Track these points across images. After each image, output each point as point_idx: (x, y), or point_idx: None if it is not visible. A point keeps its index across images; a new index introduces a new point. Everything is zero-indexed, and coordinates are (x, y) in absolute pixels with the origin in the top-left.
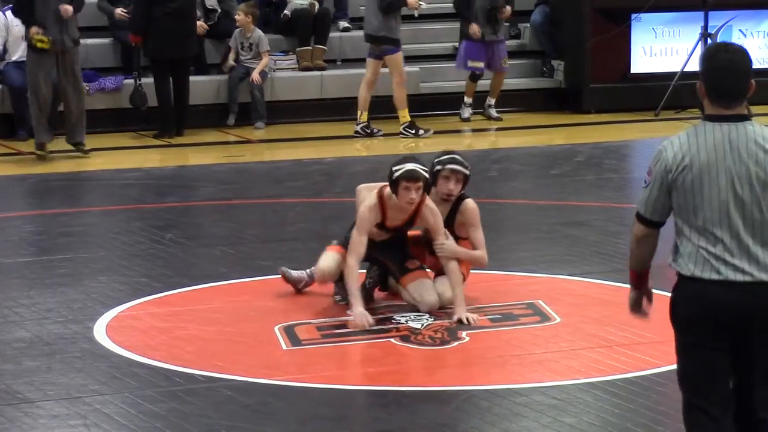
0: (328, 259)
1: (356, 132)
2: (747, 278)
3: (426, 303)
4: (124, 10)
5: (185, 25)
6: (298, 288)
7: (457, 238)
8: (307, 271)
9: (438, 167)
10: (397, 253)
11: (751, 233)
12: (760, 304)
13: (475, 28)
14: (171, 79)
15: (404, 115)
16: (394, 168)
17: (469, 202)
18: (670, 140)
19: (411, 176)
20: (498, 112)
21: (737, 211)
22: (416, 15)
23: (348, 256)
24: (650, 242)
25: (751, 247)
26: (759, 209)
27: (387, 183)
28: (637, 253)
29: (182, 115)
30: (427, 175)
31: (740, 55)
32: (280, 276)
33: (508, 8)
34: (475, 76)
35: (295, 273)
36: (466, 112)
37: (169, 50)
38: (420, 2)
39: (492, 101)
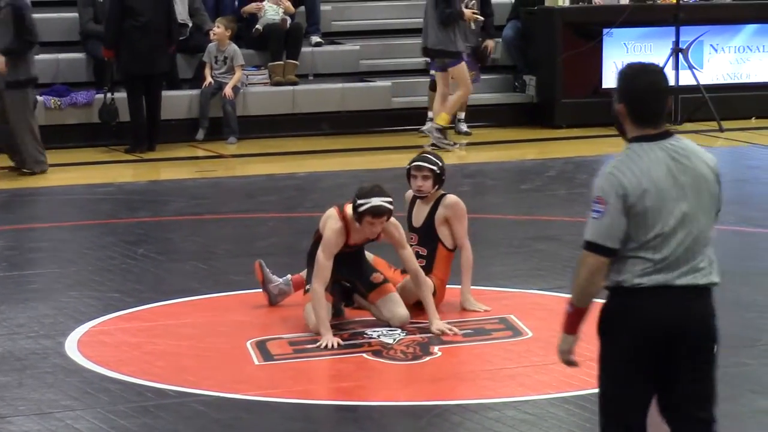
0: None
1: (431, 145)
2: (680, 284)
3: (397, 318)
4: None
5: (155, 40)
6: (271, 293)
7: (437, 240)
8: (282, 279)
9: (407, 167)
10: (359, 268)
11: (696, 244)
12: (684, 313)
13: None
14: (144, 94)
15: (442, 119)
16: (360, 201)
17: (452, 196)
18: (616, 167)
19: (376, 212)
20: (469, 126)
21: (687, 223)
22: (473, 27)
23: (314, 281)
24: (604, 273)
25: (696, 257)
26: (698, 221)
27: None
28: (590, 290)
29: (154, 130)
30: (391, 207)
31: (660, 76)
32: (256, 269)
33: (490, 42)
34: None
35: (272, 276)
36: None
37: (139, 65)
38: (475, 14)
39: (461, 115)
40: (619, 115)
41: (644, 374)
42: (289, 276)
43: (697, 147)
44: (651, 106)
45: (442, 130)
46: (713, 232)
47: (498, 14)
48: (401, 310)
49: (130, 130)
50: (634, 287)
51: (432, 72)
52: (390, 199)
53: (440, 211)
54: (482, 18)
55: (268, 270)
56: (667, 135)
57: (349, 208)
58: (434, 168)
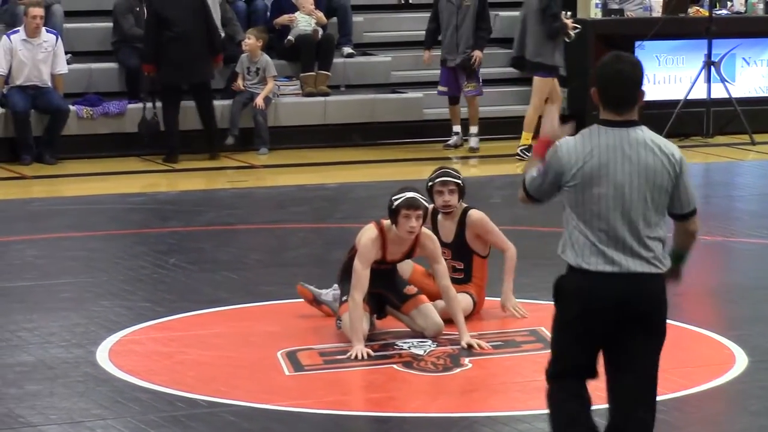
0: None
1: (518, 154)
2: (619, 271)
3: (432, 328)
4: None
5: (193, 50)
6: (329, 303)
7: (472, 252)
8: (330, 289)
9: (430, 184)
10: (392, 281)
11: (634, 230)
12: (628, 296)
13: (426, 55)
14: (196, 105)
15: (526, 138)
16: (394, 198)
17: (474, 213)
18: (566, 140)
19: (410, 204)
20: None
21: (624, 209)
22: (567, 40)
23: (353, 291)
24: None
25: (635, 243)
26: (645, 208)
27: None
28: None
29: (212, 138)
30: (426, 204)
31: (630, 66)
32: (300, 292)
33: (478, 53)
34: (450, 100)
35: (319, 290)
36: (452, 139)
37: (177, 75)
38: (575, 26)
39: (472, 129)
40: (593, 98)
41: (588, 343)
42: (335, 285)
43: (655, 139)
44: (615, 91)
45: (529, 148)
46: (660, 224)
47: None
48: (436, 320)
49: (165, 140)
50: (579, 268)
51: (440, 88)
52: (425, 197)
53: (469, 231)
54: (579, 27)
55: (310, 286)
56: (630, 124)
57: (386, 222)
58: (459, 181)
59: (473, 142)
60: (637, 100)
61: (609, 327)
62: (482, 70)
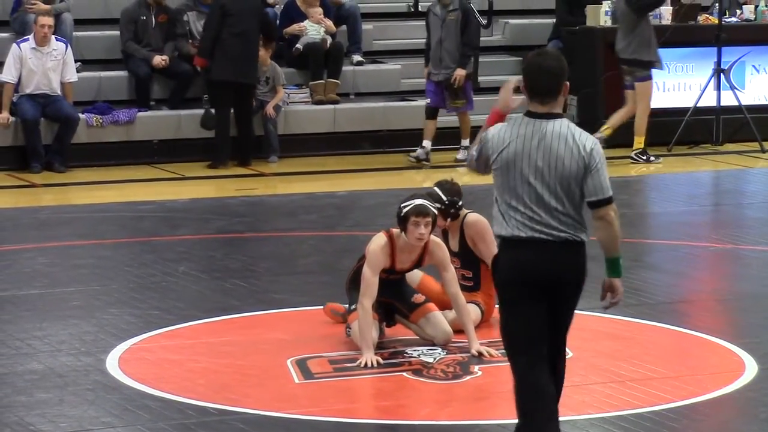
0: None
1: (632, 158)
2: (548, 238)
3: (441, 336)
4: (165, 58)
5: (250, 49)
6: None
7: (479, 261)
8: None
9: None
10: (400, 290)
11: (549, 212)
12: (551, 262)
13: (425, 71)
14: (232, 108)
15: (639, 142)
16: (402, 205)
17: (472, 216)
18: (495, 127)
19: (419, 211)
20: None
21: (538, 193)
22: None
23: (362, 298)
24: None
25: (551, 221)
26: (558, 193)
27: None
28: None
29: (248, 145)
30: (435, 211)
31: (551, 59)
32: (327, 313)
33: (459, 72)
34: (428, 113)
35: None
36: (417, 151)
37: (231, 72)
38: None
39: (463, 142)
40: (523, 90)
41: (531, 311)
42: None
43: (573, 132)
44: (537, 83)
45: (643, 152)
46: (575, 208)
47: (540, 34)
48: (445, 328)
49: (215, 144)
50: (510, 238)
51: (428, 101)
52: (434, 204)
53: (468, 237)
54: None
55: (335, 307)
56: (551, 116)
57: (395, 230)
58: (434, 211)
59: (461, 154)
60: (560, 91)
61: (541, 291)
62: (490, 78)
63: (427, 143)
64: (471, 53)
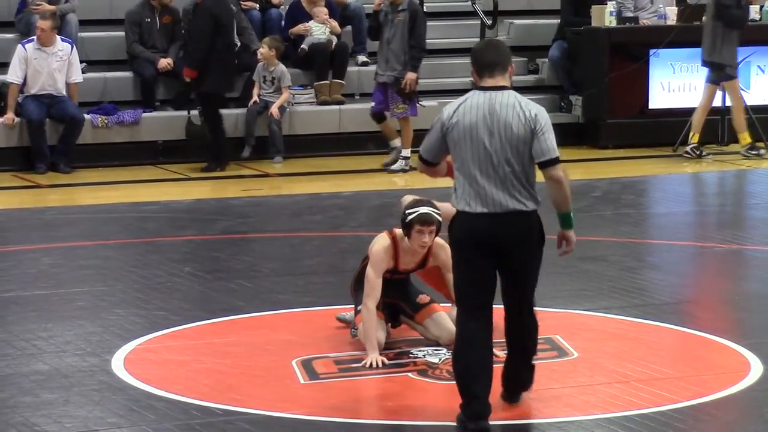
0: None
1: (686, 152)
2: (494, 211)
3: (446, 336)
4: (170, 62)
5: (235, 59)
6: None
7: None
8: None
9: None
10: (405, 291)
11: (497, 178)
12: (503, 231)
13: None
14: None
15: (744, 138)
16: (408, 211)
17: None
18: (450, 104)
19: (424, 221)
20: None
21: (489, 160)
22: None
23: (366, 299)
24: (432, 171)
25: (505, 186)
26: (509, 157)
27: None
28: (428, 174)
29: (226, 150)
30: (440, 218)
31: (497, 42)
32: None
33: (410, 76)
34: (374, 117)
35: (350, 314)
36: (390, 157)
37: (226, 85)
38: None
39: (404, 152)
40: (474, 79)
41: (478, 267)
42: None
43: (519, 101)
44: (483, 57)
45: (752, 147)
46: (525, 171)
47: (544, 34)
48: (450, 328)
49: (211, 149)
50: (463, 211)
51: (373, 106)
52: (439, 211)
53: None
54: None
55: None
56: (498, 89)
57: (398, 231)
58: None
59: (398, 164)
60: (505, 67)
61: (492, 255)
62: (454, 80)
63: (396, 142)
64: (420, 55)
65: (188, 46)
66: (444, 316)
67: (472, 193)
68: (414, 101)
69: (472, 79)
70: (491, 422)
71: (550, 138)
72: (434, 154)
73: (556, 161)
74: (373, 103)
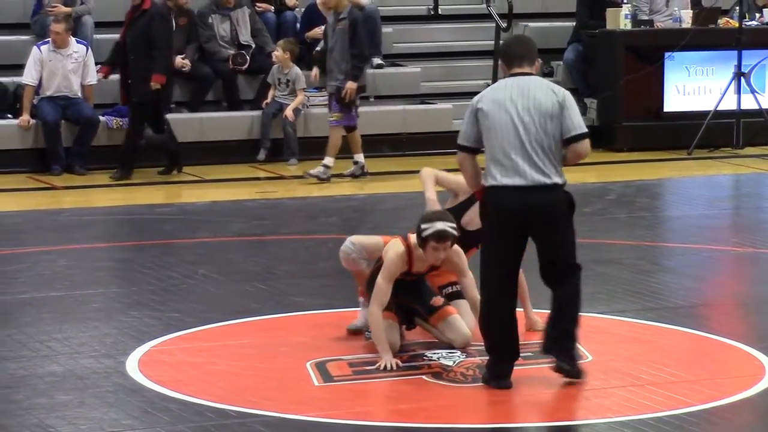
0: (391, 332)
1: None
2: (523, 184)
3: (460, 340)
4: (186, 61)
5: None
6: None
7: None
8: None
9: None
10: (419, 292)
11: (524, 153)
12: (532, 202)
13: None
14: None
15: None
16: (423, 226)
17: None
18: (480, 92)
19: (440, 237)
20: None
21: (518, 135)
22: None
23: (372, 304)
24: (469, 164)
25: (523, 162)
26: (536, 135)
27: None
28: (469, 176)
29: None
30: (455, 233)
31: (526, 36)
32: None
33: (350, 85)
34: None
35: (359, 321)
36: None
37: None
38: None
39: (326, 159)
40: (503, 71)
41: (506, 238)
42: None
43: (547, 83)
44: (513, 49)
45: None
46: (553, 146)
47: (559, 37)
48: (464, 331)
49: (174, 153)
50: (490, 185)
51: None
52: (454, 225)
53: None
54: None
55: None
56: (525, 74)
57: (412, 237)
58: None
59: (315, 170)
60: (533, 59)
61: (521, 226)
62: (470, 83)
63: (357, 157)
64: (361, 64)
65: (153, 52)
66: (458, 319)
67: (501, 168)
68: (352, 111)
69: (486, 81)
70: (504, 425)
71: (578, 115)
72: (468, 136)
73: (586, 135)
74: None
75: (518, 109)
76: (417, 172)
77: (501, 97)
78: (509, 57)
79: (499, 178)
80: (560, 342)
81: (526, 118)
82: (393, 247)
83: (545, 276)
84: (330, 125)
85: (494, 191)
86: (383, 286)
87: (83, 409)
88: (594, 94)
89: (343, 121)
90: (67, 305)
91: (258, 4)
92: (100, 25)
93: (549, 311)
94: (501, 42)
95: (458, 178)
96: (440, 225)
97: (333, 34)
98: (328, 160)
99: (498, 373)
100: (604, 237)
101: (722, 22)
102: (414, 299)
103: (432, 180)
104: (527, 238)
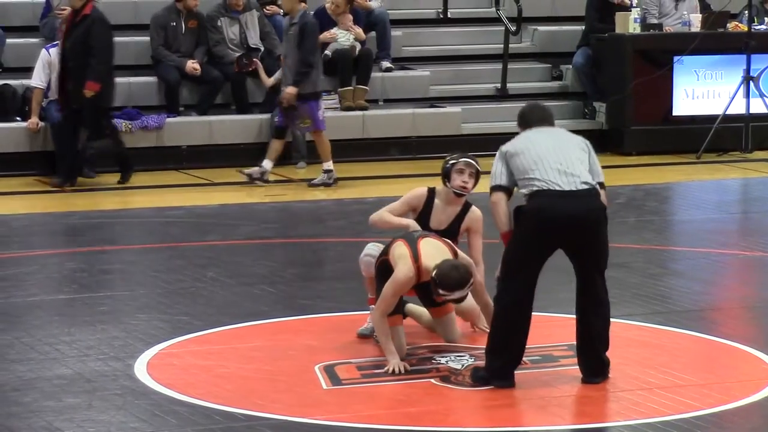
0: (397, 336)
1: None
2: (565, 189)
3: (450, 338)
4: (197, 65)
5: None
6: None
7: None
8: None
9: (452, 161)
10: (424, 288)
11: (560, 166)
12: (573, 207)
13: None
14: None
15: None
16: (450, 158)
17: (476, 210)
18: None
19: (467, 161)
20: None
21: (551, 155)
22: None
23: (375, 310)
24: (504, 203)
25: (560, 174)
26: (568, 154)
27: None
28: (500, 216)
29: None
30: (479, 168)
31: (543, 104)
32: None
33: (289, 90)
34: (275, 132)
35: (369, 326)
36: (254, 170)
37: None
38: None
39: (323, 164)
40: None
41: (537, 249)
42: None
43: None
44: (530, 116)
45: None
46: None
47: (568, 40)
48: (455, 330)
49: (125, 159)
50: (527, 193)
51: (277, 119)
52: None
53: (466, 220)
54: None
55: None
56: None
57: (424, 263)
58: (479, 168)
59: (319, 178)
60: (552, 123)
61: (555, 233)
62: (520, 85)
63: (267, 163)
64: (305, 70)
65: (90, 60)
66: (452, 319)
67: (537, 181)
68: (315, 115)
69: (495, 85)
70: (512, 428)
71: (598, 164)
72: (500, 176)
73: (602, 185)
74: (277, 117)
75: (547, 138)
76: (426, 175)
77: (530, 135)
78: (527, 121)
79: (538, 184)
80: (599, 373)
81: (557, 145)
82: (403, 268)
83: (580, 307)
84: (308, 132)
85: (536, 197)
86: (390, 300)
87: (91, 412)
88: (603, 98)
89: (314, 126)
90: (76, 308)
91: (266, 8)
92: None
93: (577, 333)
94: (519, 110)
95: (402, 201)
96: (465, 157)
97: (286, 40)
98: (327, 165)
99: (502, 373)
100: (613, 241)
101: (731, 26)
102: (420, 293)
103: (388, 215)
104: (563, 245)
